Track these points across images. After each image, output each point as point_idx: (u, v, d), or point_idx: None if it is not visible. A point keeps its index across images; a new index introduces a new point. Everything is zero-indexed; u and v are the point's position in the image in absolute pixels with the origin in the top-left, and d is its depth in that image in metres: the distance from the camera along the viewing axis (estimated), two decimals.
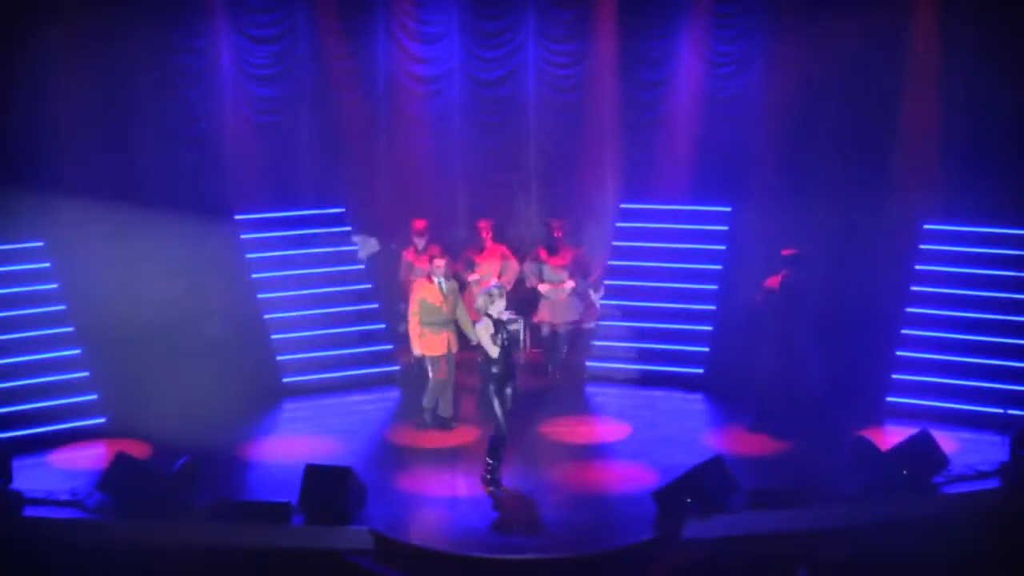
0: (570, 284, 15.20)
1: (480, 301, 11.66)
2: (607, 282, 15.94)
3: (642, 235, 16.08)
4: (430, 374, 13.14)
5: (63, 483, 11.78)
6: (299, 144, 16.35)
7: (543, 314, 15.16)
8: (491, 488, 11.59)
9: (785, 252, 13.52)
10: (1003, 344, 13.82)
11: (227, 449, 12.71)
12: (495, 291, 11.65)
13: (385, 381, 15.06)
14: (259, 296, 15.25)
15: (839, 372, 13.93)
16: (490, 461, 11.63)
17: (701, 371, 14.92)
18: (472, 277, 15.07)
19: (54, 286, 14.20)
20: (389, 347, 15.34)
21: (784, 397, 13.26)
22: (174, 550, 10.76)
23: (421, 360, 13.40)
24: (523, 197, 16.88)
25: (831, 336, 14.11)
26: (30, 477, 11.82)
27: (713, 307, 15.36)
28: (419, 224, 15.29)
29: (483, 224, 15.44)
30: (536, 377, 15.06)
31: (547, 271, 15.24)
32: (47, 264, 14.31)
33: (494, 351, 11.49)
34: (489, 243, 15.35)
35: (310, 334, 15.17)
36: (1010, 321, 13.96)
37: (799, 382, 13.28)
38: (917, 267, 14.71)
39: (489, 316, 11.57)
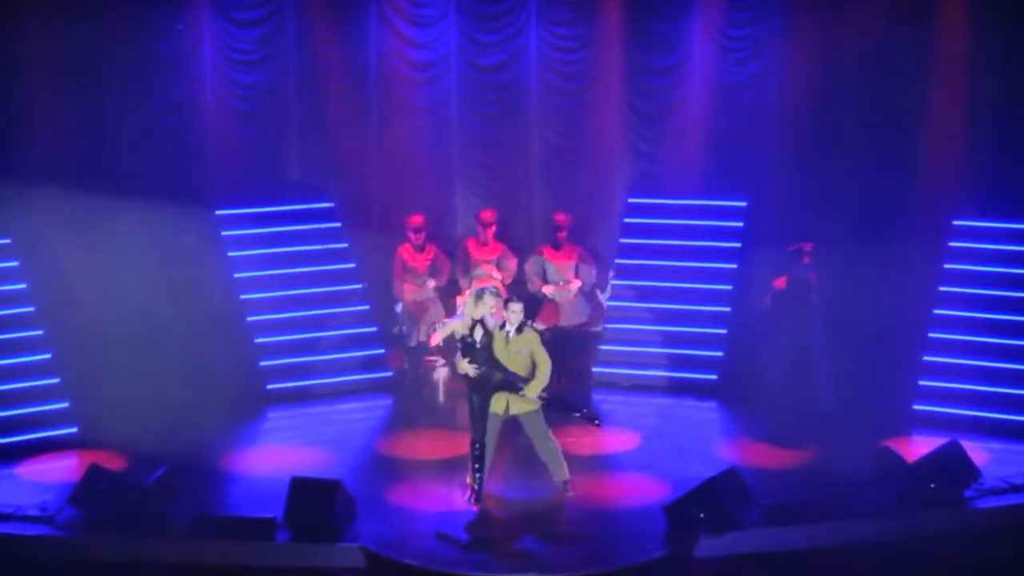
0: (576, 284, 15.17)
1: (468, 303, 11.57)
2: (614, 282, 15.90)
3: (651, 232, 16.04)
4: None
5: (32, 497, 11.72)
6: (285, 134, 16.33)
7: (547, 317, 15.09)
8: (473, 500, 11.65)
9: (791, 248, 13.49)
10: None
11: (207, 461, 12.67)
12: (486, 293, 11.55)
13: (377, 388, 15.01)
14: (241, 297, 15.22)
15: (862, 378, 13.89)
16: (476, 465, 11.65)
17: (714, 377, 14.89)
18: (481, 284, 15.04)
19: (22, 286, 14.16)
20: (381, 351, 15.30)
21: (800, 405, 13.23)
22: (151, 569, 10.72)
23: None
24: (524, 191, 16.83)
25: (853, 340, 14.08)
26: None
27: (727, 309, 15.33)
28: (415, 220, 15.24)
29: (486, 215, 15.37)
30: None
31: (551, 270, 15.21)
32: (15, 263, 14.27)
33: (461, 366, 11.47)
34: (491, 238, 15.31)
35: (296, 337, 15.13)
36: None
37: (810, 389, 13.25)
38: (946, 266, 14.69)
39: (473, 319, 11.51)
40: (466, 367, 11.42)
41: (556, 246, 15.32)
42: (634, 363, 15.22)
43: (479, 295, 11.52)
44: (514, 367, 11.49)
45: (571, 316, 15.15)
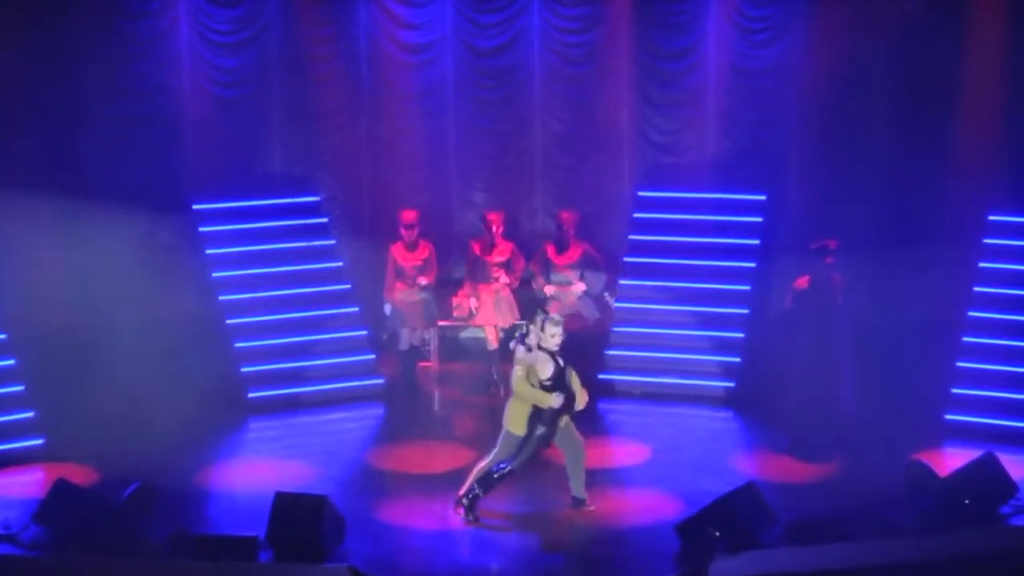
0: (580, 287, 15.14)
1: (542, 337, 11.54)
2: (622, 282, 15.90)
3: (663, 228, 16.06)
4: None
5: None
6: (268, 123, 16.35)
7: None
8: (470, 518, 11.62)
9: (814, 246, 13.51)
10: None
11: (184, 475, 12.67)
12: (552, 319, 11.56)
13: (367, 396, 15.02)
14: (221, 298, 15.24)
15: (891, 386, 13.90)
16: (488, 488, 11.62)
17: (731, 385, 14.90)
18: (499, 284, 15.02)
19: None
20: (371, 357, 15.31)
21: (823, 414, 13.25)
22: None
23: None
24: (525, 184, 16.84)
25: (881, 345, 14.09)
26: None
27: (745, 311, 15.33)
28: (408, 216, 15.21)
29: (493, 217, 15.25)
30: None
31: (555, 272, 15.19)
32: None
33: (553, 400, 11.45)
34: (499, 239, 15.23)
35: (280, 342, 15.14)
36: None
37: (834, 398, 13.27)
38: (981, 264, 14.70)
39: (544, 350, 11.51)
40: (556, 400, 11.45)
41: (560, 246, 15.28)
42: (644, 369, 15.22)
43: (551, 321, 11.51)
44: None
45: (574, 319, 15.00)
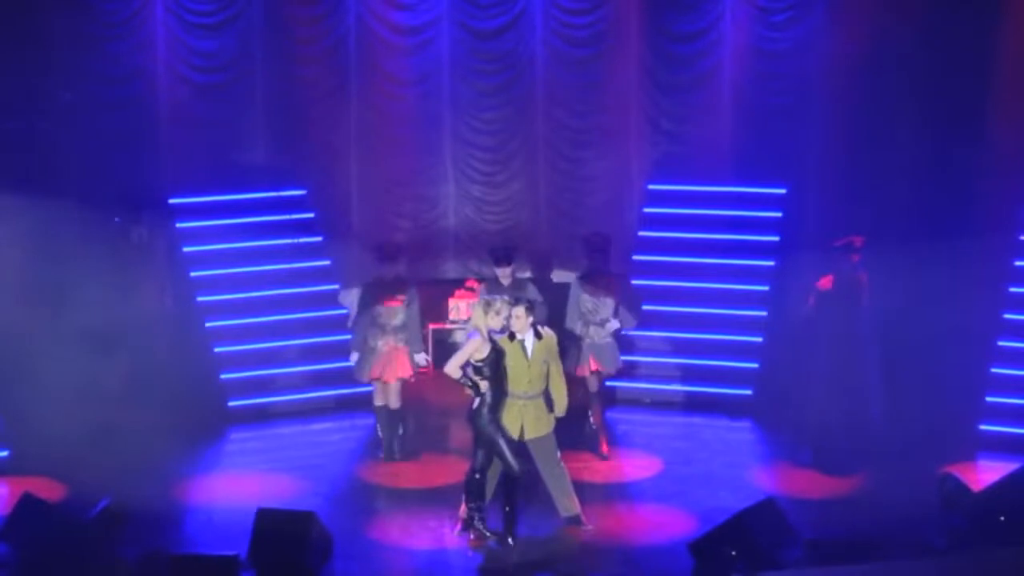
0: (613, 326, 13.71)
1: (475, 313, 11.50)
2: (631, 282, 15.88)
3: (675, 224, 16.07)
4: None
5: None
6: (250, 110, 16.40)
7: (589, 363, 13.68)
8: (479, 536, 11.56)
9: (838, 243, 13.51)
10: None
11: (159, 490, 12.66)
12: (498, 302, 11.49)
13: (356, 405, 15.00)
14: (199, 300, 15.23)
15: (920, 394, 13.88)
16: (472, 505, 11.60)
17: (749, 393, 14.89)
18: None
19: None
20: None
21: (848, 424, 13.24)
22: None
23: None
24: (527, 178, 16.81)
25: (910, 349, 14.07)
26: None
27: (764, 313, 15.32)
28: (390, 248, 13.87)
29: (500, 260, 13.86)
30: None
31: (586, 303, 13.70)
32: None
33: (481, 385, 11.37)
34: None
35: (262, 346, 15.14)
36: None
37: (859, 406, 13.26)
38: (1017, 263, 14.70)
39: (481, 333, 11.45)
40: (484, 386, 11.38)
41: (592, 277, 13.83)
42: (655, 376, 15.23)
43: (488, 305, 11.45)
44: (534, 381, 11.49)
45: (611, 360, 13.87)
